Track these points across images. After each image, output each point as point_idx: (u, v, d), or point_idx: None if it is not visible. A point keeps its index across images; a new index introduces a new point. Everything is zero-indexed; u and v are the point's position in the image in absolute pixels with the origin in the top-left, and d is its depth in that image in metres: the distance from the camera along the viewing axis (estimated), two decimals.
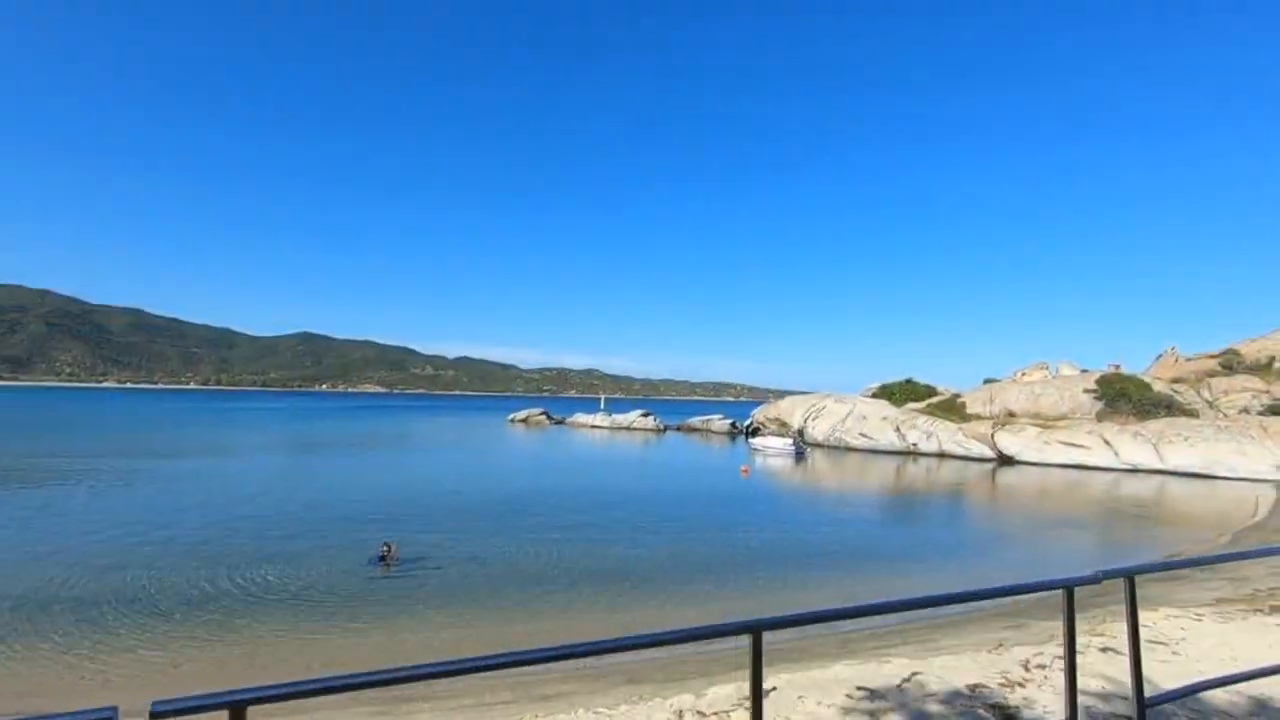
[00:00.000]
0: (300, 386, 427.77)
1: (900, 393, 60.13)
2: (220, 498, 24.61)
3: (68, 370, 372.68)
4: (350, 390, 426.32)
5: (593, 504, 25.05)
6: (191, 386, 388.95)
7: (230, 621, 11.67)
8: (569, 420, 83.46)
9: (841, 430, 55.03)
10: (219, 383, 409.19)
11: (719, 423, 74.14)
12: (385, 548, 15.55)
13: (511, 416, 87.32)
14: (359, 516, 21.33)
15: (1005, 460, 46.36)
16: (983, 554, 18.97)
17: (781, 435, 56.62)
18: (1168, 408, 45.11)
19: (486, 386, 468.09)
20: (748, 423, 69.61)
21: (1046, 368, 62.11)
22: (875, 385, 64.12)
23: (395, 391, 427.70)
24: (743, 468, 37.73)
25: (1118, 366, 60.01)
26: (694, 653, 10.27)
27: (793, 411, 61.60)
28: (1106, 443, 42.81)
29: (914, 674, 8.55)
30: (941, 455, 49.35)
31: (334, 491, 26.93)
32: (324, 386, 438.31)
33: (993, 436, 47.89)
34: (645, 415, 77.44)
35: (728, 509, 24.70)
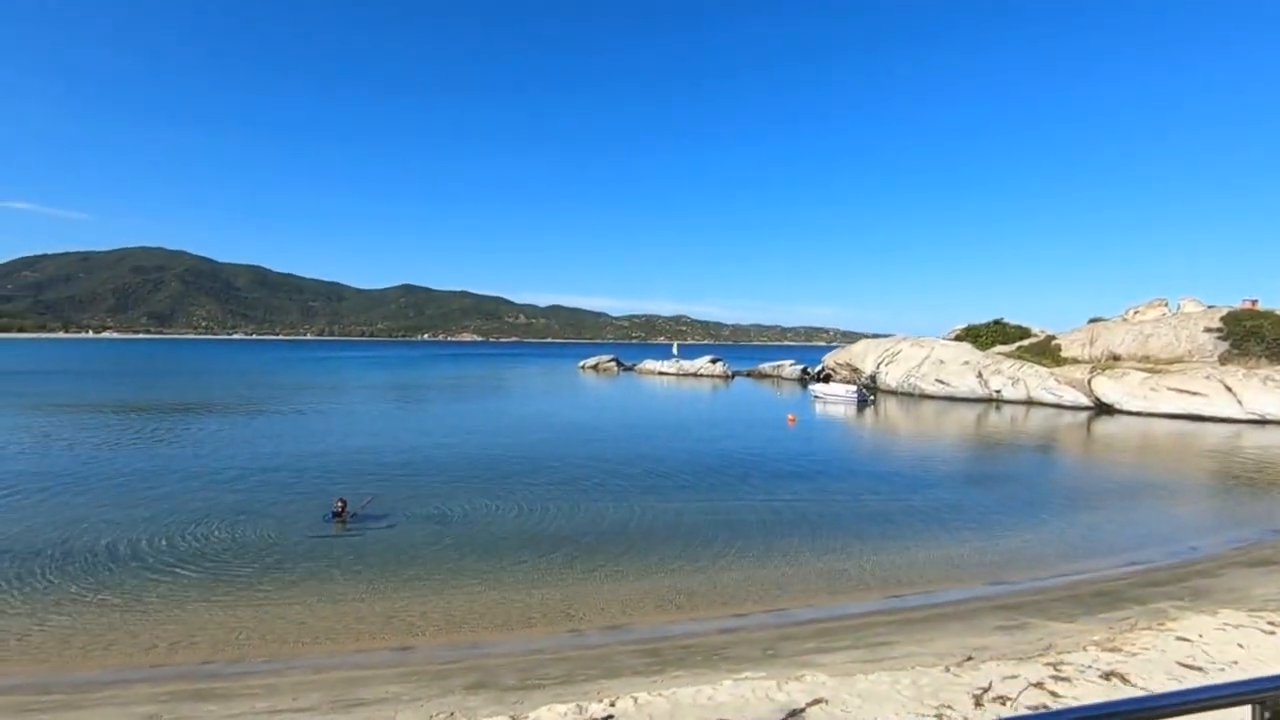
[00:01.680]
0: (404, 336, 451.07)
1: (987, 335, 54.70)
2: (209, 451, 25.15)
3: (203, 324, 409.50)
4: (449, 339, 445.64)
5: (604, 459, 23.76)
6: (308, 337, 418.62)
7: (141, 587, 11.11)
8: (638, 367, 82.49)
9: (917, 376, 50.83)
10: (331, 334, 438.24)
11: (790, 368, 70.90)
12: (339, 504, 14.81)
13: (582, 364, 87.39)
14: (352, 469, 20.98)
15: (1104, 409, 41.20)
16: (1057, 525, 16.20)
17: (848, 382, 53.03)
18: None
19: (577, 334, 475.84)
20: (819, 368, 66.04)
21: (1164, 305, 54.49)
22: (960, 327, 58.62)
23: (490, 340, 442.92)
24: (790, 416, 35.21)
25: (1254, 303, 51.68)
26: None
27: (865, 356, 57.59)
28: (1228, 389, 36.94)
29: (815, 702, 6.61)
30: (1030, 403, 44.58)
31: (336, 438, 27.04)
32: (425, 336, 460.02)
33: (1089, 382, 42.60)
34: (714, 361, 75.21)
35: (756, 467, 22.65)
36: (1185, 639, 8.13)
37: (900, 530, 14.85)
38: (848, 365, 59.17)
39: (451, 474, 20.08)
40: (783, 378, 70.58)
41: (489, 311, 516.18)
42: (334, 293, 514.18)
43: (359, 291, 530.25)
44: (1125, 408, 39.92)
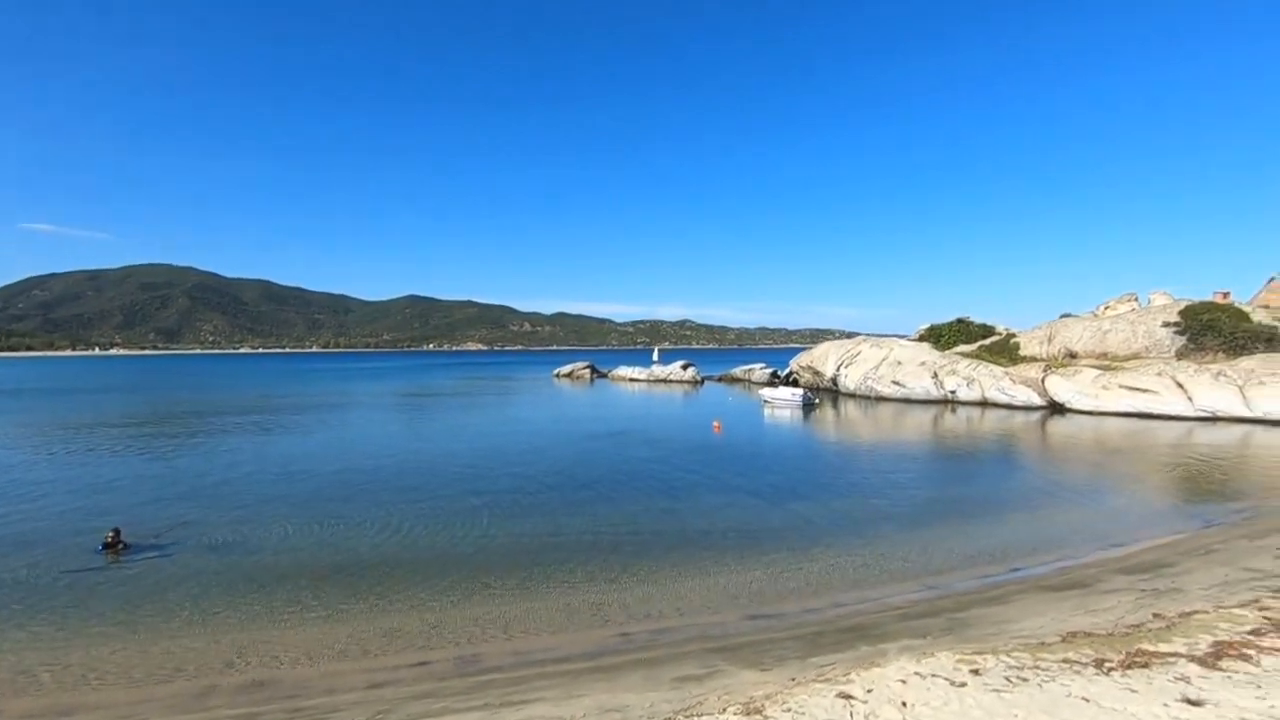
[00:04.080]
0: (409, 346, 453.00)
1: (950, 334, 53.22)
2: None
3: (210, 339, 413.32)
4: (454, 349, 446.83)
5: (483, 472, 22.89)
6: (314, 350, 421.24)
7: None
8: (612, 374, 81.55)
9: (874, 378, 49.47)
10: (337, 346, 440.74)
11: (760, 372, 69.63)
12: (111, 534, 13.90)
13: (557, 371, 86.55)
14: (195, 494, 20.14)
15: (1056, 408, 39.68)
16: (888, 543, 15.07)
17: (812, 386, 51.77)
18: (1268, 341, 36.50)
19: (582, 340, 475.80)
20: (786, 371, 64.76)
21: (1134, 299, 52.79)
22: (924, 327, 57.14)
23: (495, 349, 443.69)
24: (715, 423, 34.03)
25: (1226, 295, 49.95)
26: None
27: (827, 358, 56.25)
28: (1179, 385, 35.37)
29: None
30: (984, 404, 43.16)
31: (223, 461, 26.23)
32: (430, 346, 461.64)
33: (1043, 381, 41.08)
34: (685, 367, 74.12)
35: (624, 484, 21.65)
36: (848, 696, 7.00)
37: (692, 556, 13.72)
38: (810, 368, 57.87)
39: (306, 497, 19.15)
40: (753, 381, 69.31)
41: (494, 320, 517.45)
42: (340, 305, 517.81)
43: (365, 303, 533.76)
44: (1076, 406, 38.45)
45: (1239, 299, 50.10)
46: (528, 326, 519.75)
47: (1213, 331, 38.39)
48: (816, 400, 45.19)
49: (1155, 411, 35.37)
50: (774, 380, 66.08)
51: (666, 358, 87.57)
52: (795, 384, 56.44)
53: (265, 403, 52.70)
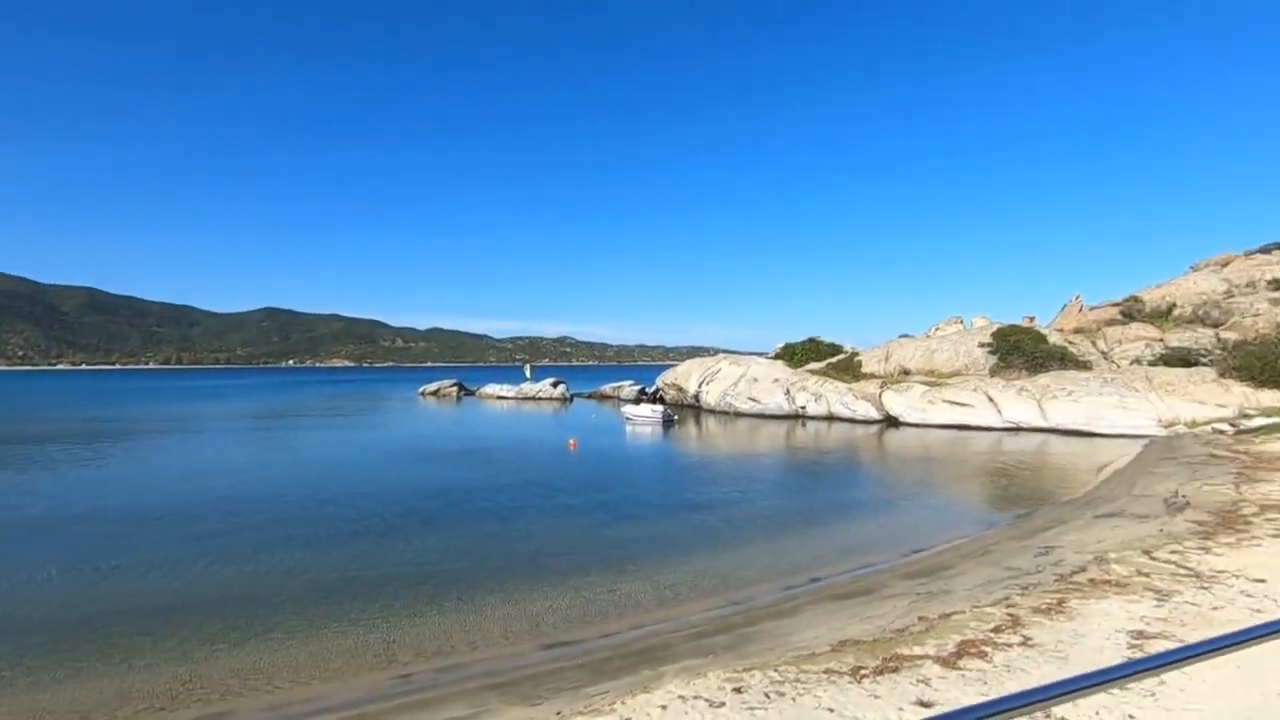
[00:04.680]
0: (267, 362, 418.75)
1: (802, 352, 56.42)
2: None
3: (20, 353, 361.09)
4: (318, 365, 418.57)
5: (309, 501, 21.15)
6: (152, 366, 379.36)
7: None
8: (480, 391, 79.31)
9: (732, 395, 51.31)
10: (180, 362, 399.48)
11: (629, 389, 70.37)
12: None
13: (423, 389, 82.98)
14: None
15: (892, 421, 42.89)
16: (699, 560, 15.15)
17: (677, 403, 52.90)
18: (1060, 360, 41.61)
19: (458, 357, 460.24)
20: (654, 388, 65.79)
21: (960, 321, 58.55)
22: (779, 345, 60.27)
23: (364, 365, 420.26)
24: (570, 441, 33.73)
25: (1032, 319, 56.53)
26: None
27: (690, 375, 57.81)
28: (990, 399, 39.38)
29: None
30: (830, 418, 45.85)
31: None
32: (291, 362, 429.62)
33: (880, 396, 44.32)
34: (556, 384, 73.48)
35: (484, 505, 20.75)
36: None
37: (505, 583, 13.24)
38: (675, 385, 59.16)
39: (78, 540, 16.62)
40: (622, 399, 69.82)
41: (363, 335, 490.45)
42: (184, 316, 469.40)
43: (214, 315, 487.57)
44: (908, 420, 41.71)
45: (1042, 322, 56.94)
46: (400, 342, 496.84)
47: (1018, 351, 43.18)
48: (676, 417, 46.13)
49: (972, 423, 39.07)
50: (641, 397, 66.97)
51: (539, 374, 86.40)
52: (662, 401, 57.41)
53: (64, 430, 46.30)
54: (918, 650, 8.59)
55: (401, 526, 17.34)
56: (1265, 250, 50.57)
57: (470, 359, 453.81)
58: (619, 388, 72.32)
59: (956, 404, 40.41)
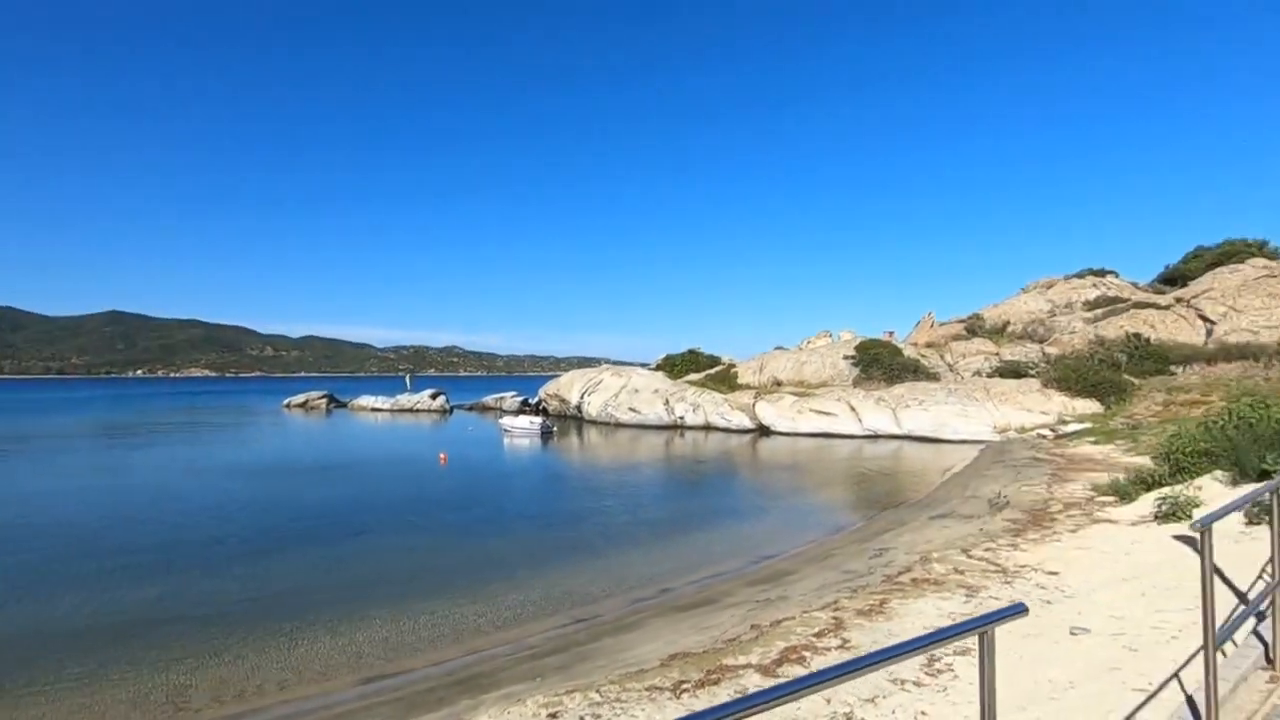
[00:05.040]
0: (110, 373, 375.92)
1: (682, 363, 57.62)
2: None
3: None
4: (173, 375, 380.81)
5: (123, 529, 18.90)
6: None
7: None
8: (353, 404, 74.97)
9: (614, 405, 51.42)
10: (1, 371, 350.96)
11: (511, 400, 68.83)
12: None
13: (287, 402, 77.29)
14: None
15: (764, 431, 44.50)
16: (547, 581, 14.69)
17: (559, 414, 52.31)
18: (914, 372, 44.99)
19: (336, 367, 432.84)
20: (537, 399, 64.85)
21: (828, 335, 61.95)
22: (662, 356, 61.28)
23: (227, 376, 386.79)
24: (441, 455, 32.40)
25: (892, 334, 60.83)
26: None
27: (572, 386, 57.43)
28: (852, 409, 41.76)
29: None
30: (708, 428, 46.94)
31: None
32: (140, 372, 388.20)
33: (754, 406, 45.90)
34: (435, 395, 70.73)
35: (330, 527, 19.20)
36: None
37: (332, 613, 12.31)
38: (557, 396, 58.59)
39: None
40: (504, 410, 68.20)
41: (226, 343, 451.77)
42: (6, 319, 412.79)
43: (45, 319, 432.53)
44: (779, 429, 43.42)
45: (901, 336, 61.42)
46: (269, 351, 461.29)
47: (877, 364, 46.24)
48: (555, 428, 45.62)
49: (836, 431, 41.26)
50: (524, 409, 65.81)
51: (420, 385, 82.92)
52: (545, 412, 56.70)
53: None
54: (742, 660, 8.66)
55: (228, 554, 15.75)
56: (1080, 275, 57.47)
57: (349, 369, 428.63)
58: (501, 399, 70.60)
59: (822, 413, 42.56)
